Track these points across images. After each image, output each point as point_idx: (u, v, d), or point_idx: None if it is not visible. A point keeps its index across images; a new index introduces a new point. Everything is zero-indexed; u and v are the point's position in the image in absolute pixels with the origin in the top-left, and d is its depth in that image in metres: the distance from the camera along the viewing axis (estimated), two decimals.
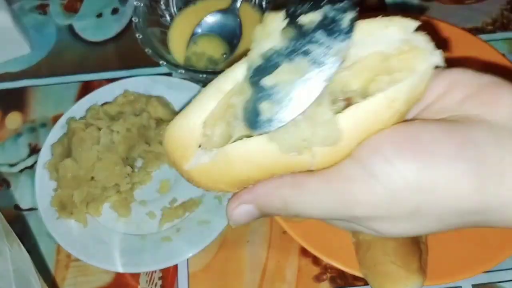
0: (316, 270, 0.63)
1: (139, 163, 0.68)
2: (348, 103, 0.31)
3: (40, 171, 0.67)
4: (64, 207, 0.63)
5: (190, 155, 0.31)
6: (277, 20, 0.31)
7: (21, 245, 0.51)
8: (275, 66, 0.31)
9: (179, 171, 0.33)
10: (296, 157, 0.31)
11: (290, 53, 0.31)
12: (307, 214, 0.33)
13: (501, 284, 0.61)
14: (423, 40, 0.31)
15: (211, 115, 0.32)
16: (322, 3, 0.31)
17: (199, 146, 0.32)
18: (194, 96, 0.33)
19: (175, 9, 0.77)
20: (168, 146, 0.33)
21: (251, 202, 0.34)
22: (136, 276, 0.63)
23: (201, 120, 0.32)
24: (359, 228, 0.34)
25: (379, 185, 0.30)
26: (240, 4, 0.76)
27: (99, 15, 0.83)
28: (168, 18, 0.77)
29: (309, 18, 0.31)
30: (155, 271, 0.63)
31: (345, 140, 0.30)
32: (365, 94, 0.31)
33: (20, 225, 0.66)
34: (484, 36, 0.78)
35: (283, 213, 0.34)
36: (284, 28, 0.31)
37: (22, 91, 0.76)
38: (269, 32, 0.31)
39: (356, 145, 0.31)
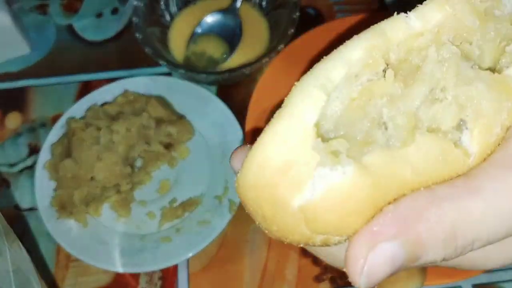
0: (316, 270, 0.63)
1: (139, 163, 0.68)
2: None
3: (40, 171, 0.67)
4: (64, 207, 0.63)
5: (305, 179, 0.21)
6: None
7: (21, 245, 0.51)
8: None
9: (276, 219, 0.22)
10: (451, 156, 0.23)
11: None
12: (487, 238, 0.23)
13: (501, 284, 0.61)
14: None
15: (330, 112, 0.22)
16: None
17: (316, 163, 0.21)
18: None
19: (175, 9, 0.77)
20: (256, 178, 0.22)
21: (395, 238, 0.21)
22: (136, 276, 0.63)
23: (313, 120, 0.22)
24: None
25: None
26: (240, 4, 0.76)
27: (99, 15, 0.83)
28: (168, 18, 0.77)
29: None
30: (155, 271, 0.63)
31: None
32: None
33: (20, 225, 0.66)
34: None
35: (447, 253, 0.22)
36: None
37: (22, 91, 0.76)
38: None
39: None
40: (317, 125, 0.22)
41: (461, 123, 0.23)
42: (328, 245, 0.23)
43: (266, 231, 0.24)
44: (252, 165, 0.22)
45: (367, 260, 0.22)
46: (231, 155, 0.27)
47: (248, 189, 0.23)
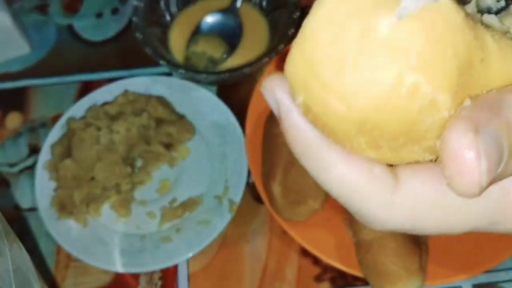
0: (316, 270, 0.63)
1: (139, 163, 0.68)
2: None
3: (40, 171, 0.67)
4: (64, 207, 0.64)
5: (389, 10, 0.18)
6: None
7: (21, 245, 0.51)
8: None
9: (357, 62, 0.18)
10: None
11: None
12: None
13: (501, 284, 0.61)
14: None
15: None
16: None
17: None
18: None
19: (175, 9, 0.77)
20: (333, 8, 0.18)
21: (489, 122, 0.19)
22: (136, 276, 0.63)
23: None
24: None
25: None
26: (240, 4, 0.76)
27: (99, 15, 0.83)
28: (168, 18, 0.77)
29: None
30: (155, 271, 0.63)
31: None
32: None
33: (20, 225, 0.66)
34: None
35: None
36: None
37: (22, 91, 0.76)
38: None
39: None
40: None
41: None
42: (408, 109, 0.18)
43: (331, 109, 0.19)
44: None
45: (478, 142, 0.18)
46: (264, 80, 0.23)
47: (321, 29, 0.19)
